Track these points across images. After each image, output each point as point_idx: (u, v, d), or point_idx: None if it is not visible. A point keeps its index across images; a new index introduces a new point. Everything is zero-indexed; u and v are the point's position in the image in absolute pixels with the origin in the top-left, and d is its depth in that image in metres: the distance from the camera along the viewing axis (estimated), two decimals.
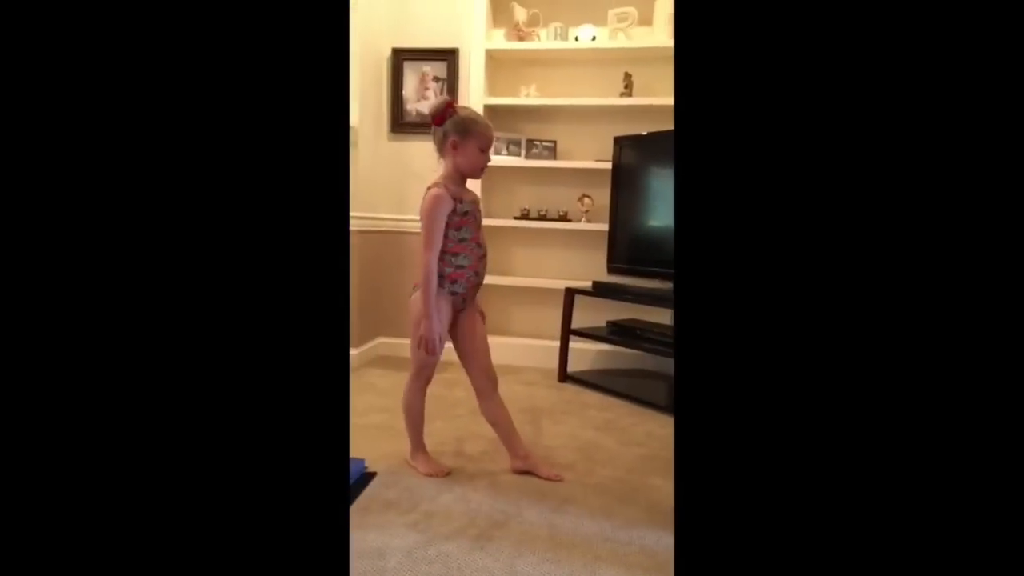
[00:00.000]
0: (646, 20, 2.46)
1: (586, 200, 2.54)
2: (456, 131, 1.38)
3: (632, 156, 2.39)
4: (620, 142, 2.39)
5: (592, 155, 2.54)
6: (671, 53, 2.47)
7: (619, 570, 1.09)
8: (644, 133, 2.33)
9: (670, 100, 2.45)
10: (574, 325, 2.38)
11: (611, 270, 2.44)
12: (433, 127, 1.41)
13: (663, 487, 1.45)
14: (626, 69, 2.48)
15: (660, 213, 2.34)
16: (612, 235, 2.44)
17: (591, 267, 2.55)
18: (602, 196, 2.50)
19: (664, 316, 2.50)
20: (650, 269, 2.30)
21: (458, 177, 1.42)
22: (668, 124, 2.47)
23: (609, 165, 2.42)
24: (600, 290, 2.32)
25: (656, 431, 1.86)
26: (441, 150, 1.42)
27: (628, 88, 2.47)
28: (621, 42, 2.43)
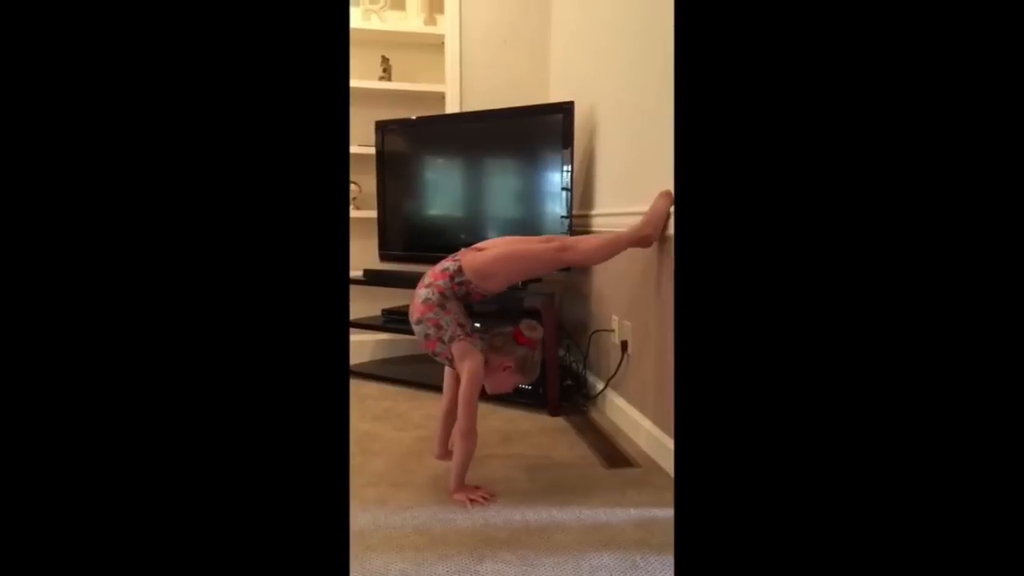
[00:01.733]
0: (399, 5, 2.44)
1: (352, 187, 2.44)
2: (518, 363, 1.36)
3: (399, 142, 2.35)
4: (383, 127, 2.34)
5: (356, 139, 2.45)
6: (427, 40, 2.49)
7: (390, 555, 1.06)
8: (413, 118, 2.31)
9: (431, 87, 2.47)
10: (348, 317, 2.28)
11: (383, 257, 2.38)
12: (513, 338, 1.36)
13: (439, 464, 1.46)
14: (383, 52, 2.43)
15: (437, 200, 2.35)
16: (381, 222, 2.38)
17: (362, 255, 2.46)
18: (369, 183, 2.42)
19: None
20: (428, 255, 2.29)
21: (480, 360, 1.33)
22: (431, 110, 2.49)
23: (373, 150, 2.35)
24: (373, 278, 2.25)
25: (435, 412, 1.86)
26: (494, 347, 1.36)
27: (387, 72, 2.43)
28: (375, 24, 2.37)
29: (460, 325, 1.34)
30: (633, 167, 1.70)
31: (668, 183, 1.45)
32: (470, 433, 1.29)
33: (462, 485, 1.30)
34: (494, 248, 1.42)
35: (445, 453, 1.48)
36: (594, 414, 1.86)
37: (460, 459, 1.29)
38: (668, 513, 1.23)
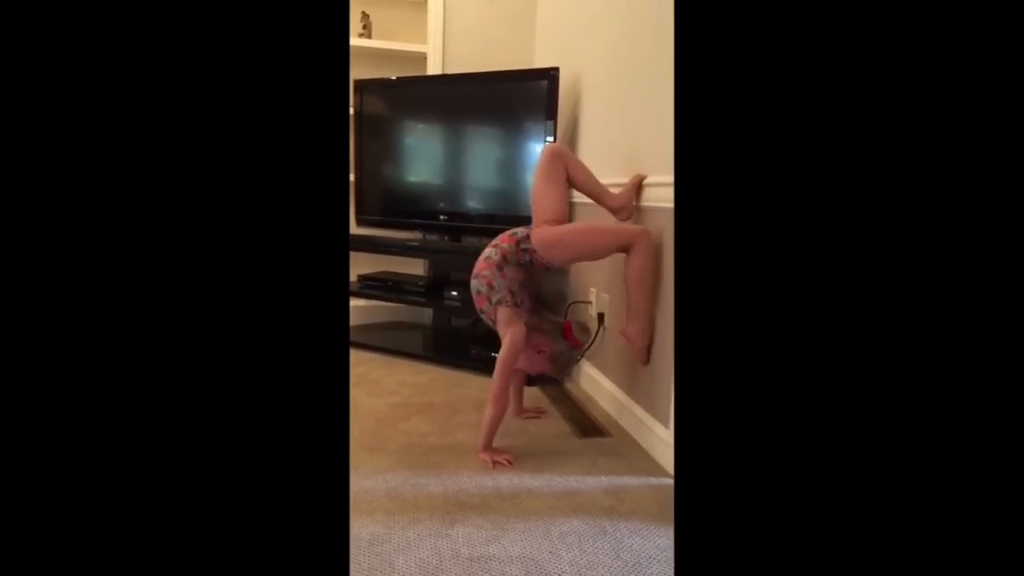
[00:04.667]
0: None
1: None
2: (554, 355, 1.39)
3: (379, 103, 2.29)
4: (362, 87, 2.27)
5: None
6: None
7: (362, 519, 1.06)
8: (393, 78, 2.24)
9: (413, 46, 2.40)
10: None
11: (360, 222, 2.34)
12: (562, 331, 1.41)
13: (412, 430, 1.46)
14: (363, 8, 2.34)
15: (416, 166, 2.30)
16: (359, 186, 2.33)
17: None
18: None
19: (417, 267, 2.50)
20: (407, 221, 2.26)
21: (523, 331, 1.37)
22: (412, 71, 2.42)
23: (351, 111, 2.28)
24: (349, 243, 2.21)
25: (408, 379, 1.87)
26: (541, 328, 1.39)
27: (367, 29, 2.34)
28: None
29: (511, 292, 1.38)
30: (618, 137, 1.68)
31: (654, 154, 1.44)
32: (501, 396, 1.32)
33: (489, 446, 1.33)
34: (567, 223, 1.46)
35: (520, 411, 1.56)
36: (568, 384, 1.88)
37: (489, 421, 1.32)
38: (637, 481, 1.25)
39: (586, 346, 1.43)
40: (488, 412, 1.32)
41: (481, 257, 1.42)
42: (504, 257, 1.38)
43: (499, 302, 1.37)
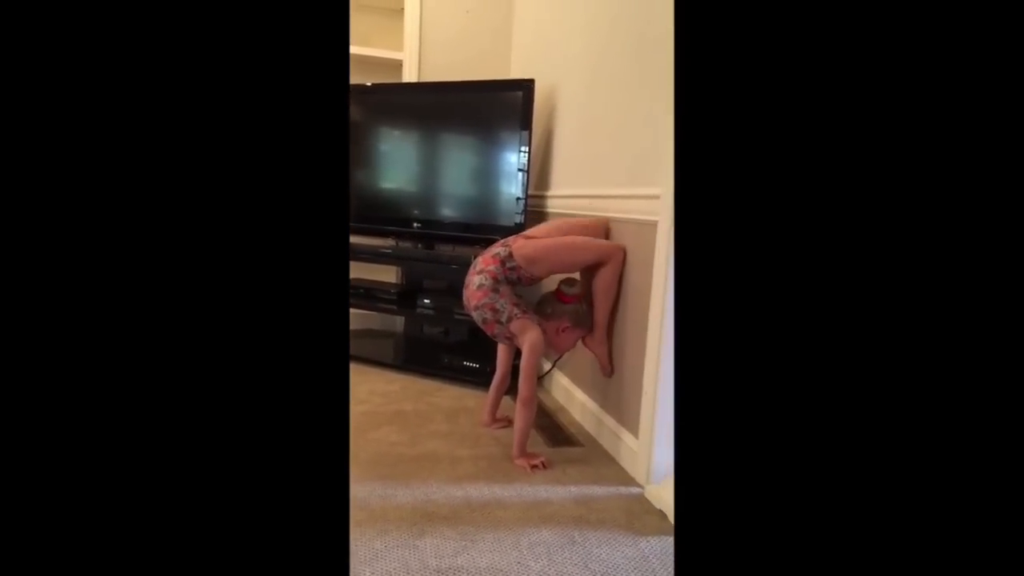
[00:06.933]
0: None
1: None
2: (572, 319, 1.42)
3: (353, 109, 2.27)
4: None
5: None
6: (386, 3, 2.40)
7: None
8: (368, 84, 2.23)
9: (389, 53, 2.39)
10: None
11: None
12: (558, 300, 1.43)
13: (382, 439, 1.45)
14: None
15: (390, 172, 2.29)
16: None
17: None
18: None
19: (389, 274, 2.48)
20: (381, 228, 2.24)
21: (539, 333, 1.39)
22: (387, 78, 2.42)
23: None
24: None
25: (379, 388, 1.85)
26: (545, 314, 1.43)
27: None
28: None
29: (515, 305, 1.43)
30: (593, 149, 1.70)
31: (627, 166, 1.46)
32: (530, 402, 1.36)
33: (524, 451, 1.36)
34: (545, 237, 1.49)
35: (492, 421, 1.57)
36: (540, 393, 1.88)
37: (521, 426, 1.36)
38: (606, 490, 1.26)
39: (583, 291, 1.46)
40: (519, 419, 1.36)
41: (472, 287, 1.43)
42: (495, 279, 1.42)
43: (509, 319, 1.41)
